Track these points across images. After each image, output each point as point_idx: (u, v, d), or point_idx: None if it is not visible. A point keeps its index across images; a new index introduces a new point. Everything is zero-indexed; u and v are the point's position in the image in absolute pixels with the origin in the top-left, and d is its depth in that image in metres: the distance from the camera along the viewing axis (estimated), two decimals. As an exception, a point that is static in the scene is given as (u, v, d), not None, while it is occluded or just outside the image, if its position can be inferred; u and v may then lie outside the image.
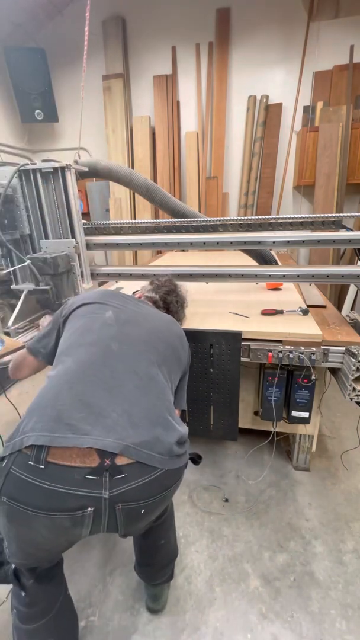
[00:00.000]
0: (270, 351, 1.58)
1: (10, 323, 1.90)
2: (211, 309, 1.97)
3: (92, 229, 1.93)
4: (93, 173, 2.25)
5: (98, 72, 4.37)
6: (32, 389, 3.27)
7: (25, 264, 1.59)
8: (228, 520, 1.85)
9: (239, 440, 2.03)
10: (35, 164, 1.64)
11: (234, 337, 1.63)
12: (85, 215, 5.11)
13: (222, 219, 1.89)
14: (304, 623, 1.39)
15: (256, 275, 1.83)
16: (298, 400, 1.73)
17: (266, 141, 4.17)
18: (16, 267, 1.62)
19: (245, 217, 1.84)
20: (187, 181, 4.54)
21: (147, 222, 2.01)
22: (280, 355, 1.57)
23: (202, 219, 1.98)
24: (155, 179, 4.64)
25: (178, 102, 4.38)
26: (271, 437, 1.89)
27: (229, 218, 1.89)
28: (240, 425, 1.94)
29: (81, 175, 2.30)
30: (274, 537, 1.74)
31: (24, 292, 1.81)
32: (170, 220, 2.08)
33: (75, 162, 1.93)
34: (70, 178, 1.66)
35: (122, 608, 1.46)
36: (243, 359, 1.67)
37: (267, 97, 4.07)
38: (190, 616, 1.43)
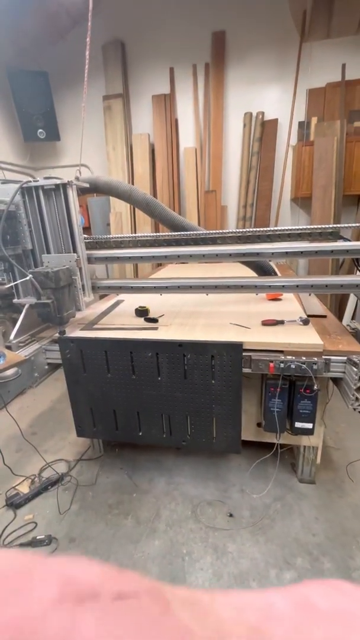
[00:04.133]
0: (272, 361, 1.58)
1: (12, 337, 1.92)
2: (212, 320, 1.98)
3: (94, 243, 1.96)
4: (94, 189, 2.30)
5: (99, 92, 4.51)
6: (32, 403, 3.25)
7: (27, 278, 1.61)
8: (233, 536, 1.81)
9: (242, 453, 2.00)
10: (37, 181, 1.68)
11: (235, 348, 1.63)
12: (87, 229, 5.19)
13: (220, 231, 1.92)
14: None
15: (256, 286, 1.85)
16: (301, 410, 1.72)
17: (263, 155, 4.27)
18: (18, 281, 1.64)
19: (244, 230, 1.87)
20: (186, 195, 4.63)
21: (147, 236, 2.05)
22: (282, 365, 1.57)
23: (201, 232, 2.01)
24: (154, 194, 4.73)
25: (176, 120, 4.51)
26: (275, 449, 1.87)
27: (227, 231, 1.92)
28: (243, 438, 1.92)
29: (82, 192, 2.35)
30: (281, 553, 1.70)
31: (26, 306, 1.82)
32: (169, 233, 2.11)
33: (77, 178, 1.98)
34: (72, 194, 1.69)
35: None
36: (245, 370, 1.67)
37: (262, 113, 4.19)
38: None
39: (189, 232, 2.03)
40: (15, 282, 1.66)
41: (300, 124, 4.12)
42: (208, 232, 2.00)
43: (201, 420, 1.82)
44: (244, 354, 1.64)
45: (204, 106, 4.38)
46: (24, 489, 2.18)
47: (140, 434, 1.94)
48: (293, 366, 1.55)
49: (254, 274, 2.24)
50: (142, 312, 2.08)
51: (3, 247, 1.61)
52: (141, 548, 1.76)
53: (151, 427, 1.90)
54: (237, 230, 1.88)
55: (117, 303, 2.45)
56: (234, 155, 4.48)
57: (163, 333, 1.80)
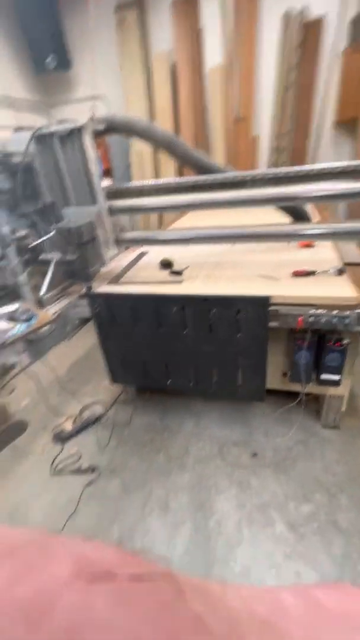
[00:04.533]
0: (301, 316, 1.53)
1: (42, 292, 1.98)
2: (239, 271, 1.91)
3: (114, 193, 1.87)
4: (111, 129, 2.12)
5: (109, 6, 3.89)
6: (68, 351, 3.48)
7: (51, 234, 1.60)
8: (256, 473, 1.96)
9: (267, 400, 2.07)
10: (50, 126, 1.57)
11: (262, 303, 1.59)
12: (107, 172, 4.95)
13: (250, 173, 1.74)
14: (325, 564, 1.51)
15: (287, 235, 1.72)
16: (328, 364, 1.70)
17: (303, 69, 3.64)
18: (43, 238, 1.63)
19: (276, 170, 1.68)
20: (213, 126, 4.17)
21: (170, 182, 1.90)
22: (311, 319, 1.52)
23: (228, 174, 1.84)
24: (177, 129, 4.31)
25: (200, 30, 3.87)
26: (299, 398, 1.91)
27: (257, 172, 1.74)
28: (268, 386, 1.97)
29: (99, 134, 2.19)
30: (300, 489, 1.84)
31: (53, 262, 1.84)
32: (194, 178, 1.94)
33: (91, 119, 1.83)
34: (87, 140, 1.58)
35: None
36: (272, 324, 1.64)
37: (305, 10, 3.47)
38: (220, 552, 1.60)
39: (215, 176, 1.87)
40: (41, 239, 1.66)
41: (354, 21, 3.39)
42: (237, 173, 1.82)
43: (226, 371, 1.87)
44: (270, 308, 1.59)
45: (233, 9, 3.68)
46: (68, 426, 2.45)
47: (168, 383, 2.04)
48: (323, 320, 1.50)
49: (285, 219, 2.07)
50: (166, 265, 2.04)
51: (23, 203, 1.58)
52: (172, 479, 1.98)
53: (178, 377, 1.99)
54: (269, 171, 1.69)
55: (141, 255, 2.41)
56: (268, 73, 3.87)
57: (188, 286, 1.78)
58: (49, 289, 1.98)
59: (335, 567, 1.49)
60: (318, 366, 1.76)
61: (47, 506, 1.92)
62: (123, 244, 1.93)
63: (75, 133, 1.56)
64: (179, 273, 1.94)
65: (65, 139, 1.59)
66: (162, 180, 1.88)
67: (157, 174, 4.56)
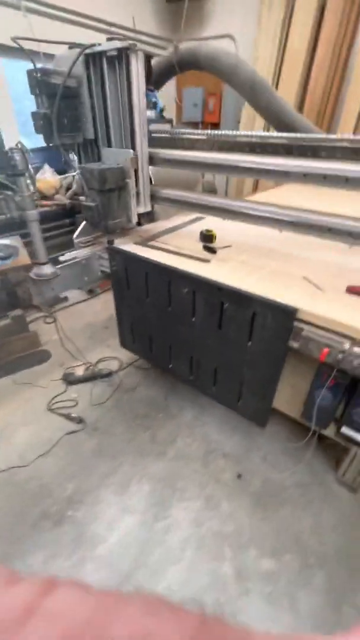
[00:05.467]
0: (327, 347, 1.13)
1: (75, 235, 1.91)
2: (285, 266, 1.51)
3: (164, 140, 1.59)
4: (194, 63, 1.79)
5: None
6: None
7: (74, 174, 1.45)
8: (232, 496, 1.71)
9: (285, 423, 1.75)
10: (100, 45, 1.34)
11: (285, 314, 1.21)
12: (215, 126, 4.53)
13: (349, 136, 1.26)
14: None
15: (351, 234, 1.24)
16: (355, 417, 1.28)
17: None
18: (68, 175, 1.49)
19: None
20: (355, 78, 3.35)
21: (237, 135, 1.52)
22: (341, 357, 1.11)
23: (320, 137, 1.36)
24: (307, 77, 3.60)
25: None
26: (308, 438, 1.53)
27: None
28: (284, 411, 1.63)
29: (181, 67, 1.90)
30: (272, 539, 1.54)
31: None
32: (278, 135, 1.51)
33: (175, 48, 1.53)
34: (135, 65, 1.31)
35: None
36: (292, 343, 1.27)
37: None
38: (152, 561, 1.46)
39: (301, 136, 1.42)
40: (65, 176, 1.53)
41: None
42: (329, 136, 1.34)
43: (229, 377, 1.58)
44: (295, 323, 1.22)
45: None
46: (79, 371, 2.50)
47: (170, 366, 1.85)
48: (356, 363, 1.08)
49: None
50: (205, 237, 1.74)
51: (58, 133, 1.44)
52: (145, 463, 1.87)
53: (180, 363, 1.78)
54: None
55: (195, 220, 2.12)
56: None
57: (211, 269, 1.48)
58: (82, 234, 1.90)
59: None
60: (342, 413, 1.35)
61: (30, 436, 2.03)
62: (158, 201, 1.69)
63: (123, 54, 1.31)
64: (212, 250, 1.64)
65: (113, 62, 1.36)
66: (228, 132, 1.51)
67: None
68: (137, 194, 1.57)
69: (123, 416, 2.16)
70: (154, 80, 1.86)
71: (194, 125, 4.67)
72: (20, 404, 2.23)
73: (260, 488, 1.75)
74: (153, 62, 1.77)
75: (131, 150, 1.46)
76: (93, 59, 1.39)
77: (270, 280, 1.39)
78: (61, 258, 1.68)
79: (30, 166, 2.33)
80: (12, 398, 2.28)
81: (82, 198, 1.68)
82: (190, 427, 2.08)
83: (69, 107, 1.45)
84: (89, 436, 2.02)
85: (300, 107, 3.70)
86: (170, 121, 2.85)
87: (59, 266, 1.62)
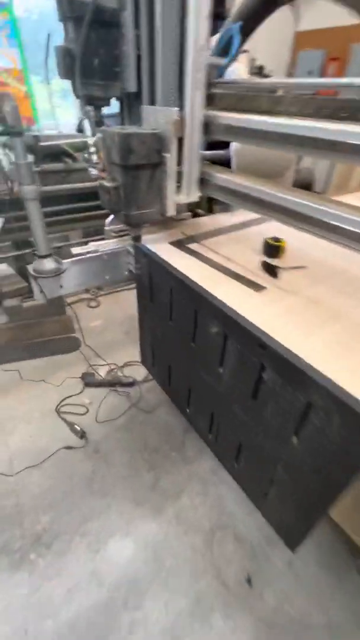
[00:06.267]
0: None
1: (107, 222, 1.54)
2: (352, 303, 0.92)
3: (231, 97, 1.05)
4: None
5: None
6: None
7: (93, 139, 1.04)
8: (230, 608, 1.25)
9: (335, 526, 1.20)
10: None
11: (357, 415, 0.66)
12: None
13: None
14: None
15: None
16: None
17: None
18: (88, 138, 1.09)
19: None
20: None
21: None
22: None
23: None
24: None
25: None
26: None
27: None
28: (339, 523, 1.09)
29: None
30: None
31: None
32: None
33: None
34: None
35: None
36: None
37: None
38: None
39: None
40: (83, 139, 1.13)
41: None
42: None
43: (255, 466, 1.07)
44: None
45: None
46: (101, 373, 2.22)
47: (188, 411, 1.41)
48: None
49: None
50: (270, 249, 1.20)
51: (91, 80, 1.04)
52: (136, 515, 1.51)
53: (198, 414, 1.33)
54: None
55: (262, 220, 1.56)
56: None
57: (259, 303, 0.96)
58: (114, 221, 1.51)
59: None
60: None
61: (27, 438, 1.82)
62: (209, 190, 1.18)
63: None
64: (273, 271, 1.10)
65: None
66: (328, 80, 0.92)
67: None
68: (179, 175, 1.09)
69: (131, 442, 1.81)
70: (244, 17, 1.30)
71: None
72: (25, 399, 2.04)
73: (273, 611, 1.25)
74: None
75: (175, 109, 0.97)
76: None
77: (354, 347, 0.82)
78: (74, 250, 1.33)
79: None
80: (24, 389, 2.11)
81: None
82: (203, 482, 1.64)
83: (103, 40, 1.02)
84: (86, 458, 1.73)
85: None
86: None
87: (70, 260, 1.28)
